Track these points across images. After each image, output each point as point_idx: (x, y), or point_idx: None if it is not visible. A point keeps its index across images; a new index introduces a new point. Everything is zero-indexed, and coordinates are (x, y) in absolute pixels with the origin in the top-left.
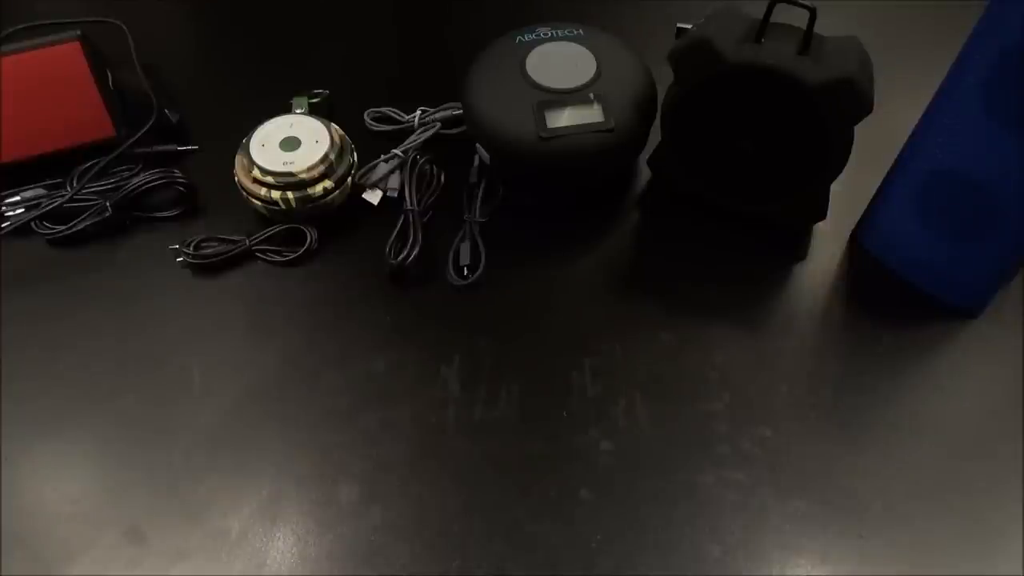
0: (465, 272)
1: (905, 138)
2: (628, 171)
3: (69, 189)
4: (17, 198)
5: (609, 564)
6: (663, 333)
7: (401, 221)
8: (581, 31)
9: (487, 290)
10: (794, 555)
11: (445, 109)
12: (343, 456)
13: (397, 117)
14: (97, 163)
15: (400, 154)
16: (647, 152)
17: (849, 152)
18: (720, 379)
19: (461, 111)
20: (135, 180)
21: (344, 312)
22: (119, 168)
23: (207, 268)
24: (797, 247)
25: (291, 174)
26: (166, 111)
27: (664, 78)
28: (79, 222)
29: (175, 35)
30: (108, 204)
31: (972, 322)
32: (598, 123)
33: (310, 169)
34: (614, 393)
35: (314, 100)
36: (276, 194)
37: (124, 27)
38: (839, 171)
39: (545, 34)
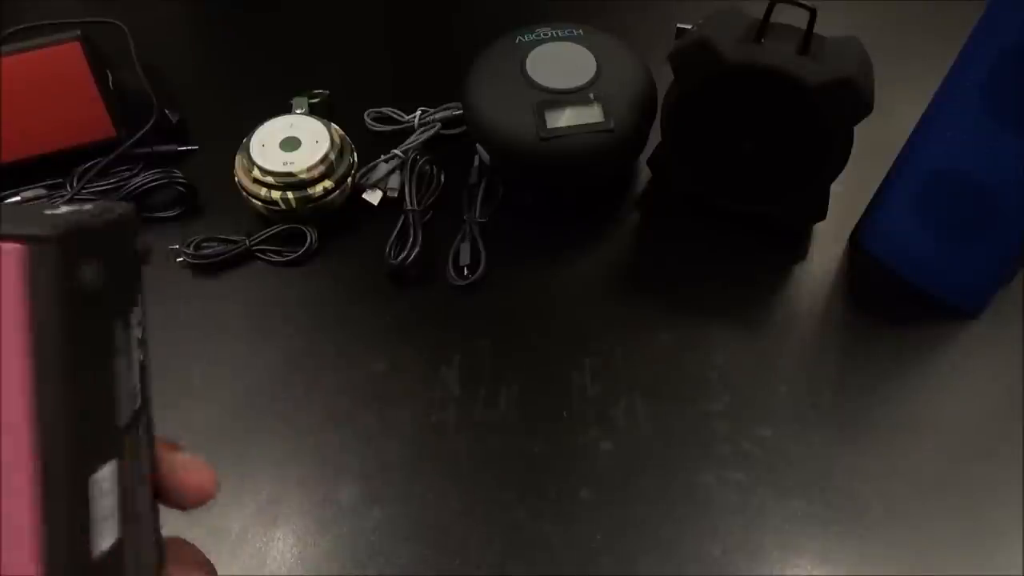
0: (465, 272)
1: (905, 138)
2: (628, 171)
3: (69, 189)
4: (17, 198)
5: (609, 564)
6: (663, 333)
7: (401, 221)
8: (581, 31)
9: (487, 290)
10: (794, 555)
11: (445, 109)
12: (343, 456)
13: (397, 117)
14: (97, 163)
15: (400, 154)
16: (647, 152)
17: (849, 152)
18: (720, 379)
19: (461, 111)
20: (135, 180)
21: (344, 312)
22: (119, 168)
23: (207, 268)
24: (797, 247)
25: (291, 174)
26: (166, 111)
27: (664, 78)
28: None
29: (175, 35)
30: None
31: (972, 322)
32: (598, 123)
33: (310, 169)
34: (614, 393)
35: (314, 100)
36: (276, 194)
37: (124, 27)
38: (839, 171)
39: (545, 34)
